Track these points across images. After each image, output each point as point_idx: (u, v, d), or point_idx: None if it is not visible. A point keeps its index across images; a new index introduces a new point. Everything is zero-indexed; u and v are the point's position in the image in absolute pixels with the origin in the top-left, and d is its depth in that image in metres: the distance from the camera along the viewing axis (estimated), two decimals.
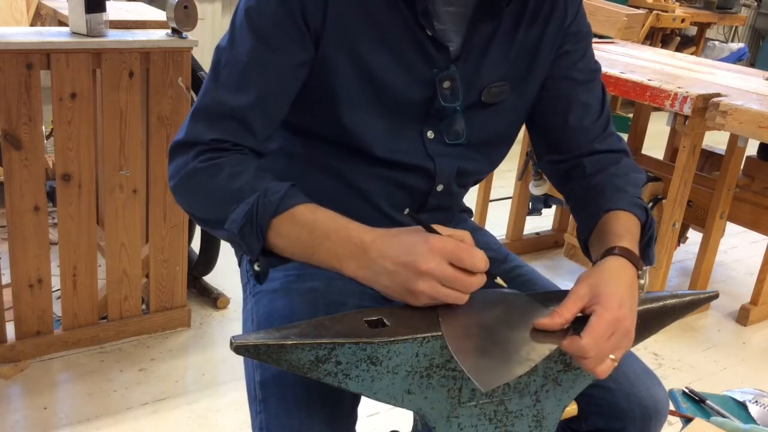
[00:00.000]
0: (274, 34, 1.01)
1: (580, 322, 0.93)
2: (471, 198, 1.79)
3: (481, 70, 1.11)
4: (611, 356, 0.93)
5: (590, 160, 1.20)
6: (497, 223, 3.28)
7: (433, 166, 1.14)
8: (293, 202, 0.96)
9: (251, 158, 1.03)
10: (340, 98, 1.07)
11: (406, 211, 0.95)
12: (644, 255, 1.11)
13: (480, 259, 0.91)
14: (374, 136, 1.10)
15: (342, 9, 1.02)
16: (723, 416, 1.64)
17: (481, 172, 1.23)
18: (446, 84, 1.09)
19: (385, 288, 0.92)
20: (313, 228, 0.94)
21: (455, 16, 1.09)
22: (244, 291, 1.25)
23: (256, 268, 0.99)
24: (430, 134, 1.12)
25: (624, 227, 1.06)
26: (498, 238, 1.38)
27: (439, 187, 1.17)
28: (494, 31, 1.10)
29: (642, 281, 1.02)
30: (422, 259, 0.89)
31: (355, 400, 1.07)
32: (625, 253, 1.00)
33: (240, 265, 1.31)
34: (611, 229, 1.06)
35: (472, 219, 1.40)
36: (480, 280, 0.92)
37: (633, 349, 1.09)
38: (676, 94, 2.48)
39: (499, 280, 0.99)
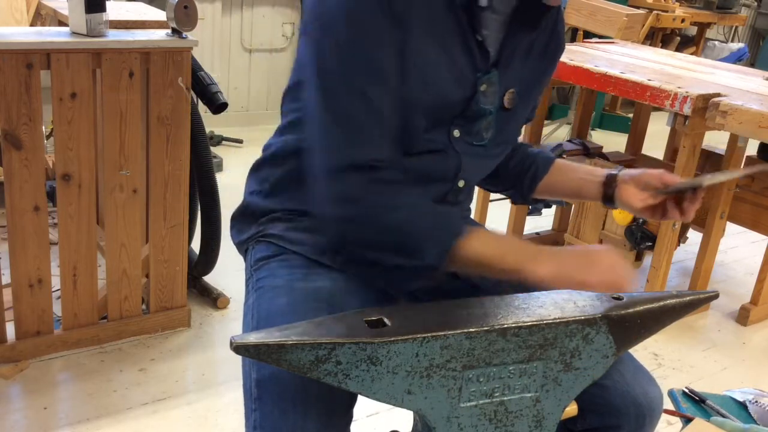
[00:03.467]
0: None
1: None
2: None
3: (507, 76, 1.16)
4: None
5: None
6: (497, 223, 3.28)
7: (458, 162, 1.17)
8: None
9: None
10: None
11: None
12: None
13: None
14: (410, 129, 1.11)
15: (407, 5, 1.04)
16: (723, 416, 1.64)
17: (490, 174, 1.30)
18: (483, 87, 1.13)
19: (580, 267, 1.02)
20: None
21: (496, 23, 1.13)
22: (247, 285, 1.25)
23: None
24: (456, 133, 1.15)
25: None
26: None
27: (461, 183, 1.20)
28: (522, 40, 1.15)
29: None
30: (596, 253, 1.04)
31: (352, 400, 1.07)
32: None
33: (245, 259, 1.31)
34: (579, 167, 1.32)
35: (472, 219, 1.40)
36: None
37: (632, 350, 1.09)
38: (676, 94, 2.48)
39: None
